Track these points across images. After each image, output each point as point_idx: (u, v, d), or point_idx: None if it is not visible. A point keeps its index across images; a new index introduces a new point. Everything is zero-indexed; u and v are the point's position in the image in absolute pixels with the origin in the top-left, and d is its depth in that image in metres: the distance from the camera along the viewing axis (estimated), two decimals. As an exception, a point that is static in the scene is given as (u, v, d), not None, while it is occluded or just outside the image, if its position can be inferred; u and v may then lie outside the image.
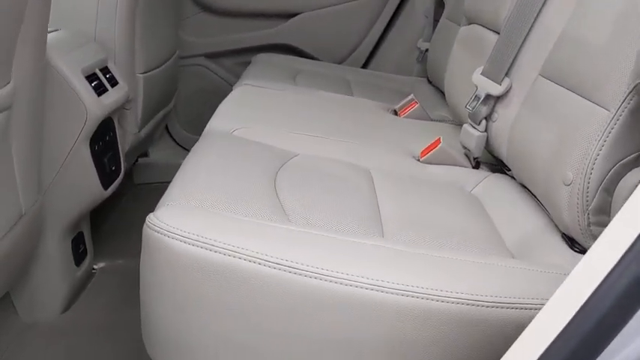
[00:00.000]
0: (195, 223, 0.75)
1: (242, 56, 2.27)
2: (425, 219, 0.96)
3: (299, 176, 1.04)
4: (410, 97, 1.59)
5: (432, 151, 1.22)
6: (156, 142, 2.24)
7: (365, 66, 2.26)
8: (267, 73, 1.85)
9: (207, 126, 1.24)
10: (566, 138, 0.91)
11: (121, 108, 1.53)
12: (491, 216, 1.07)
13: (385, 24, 2.22)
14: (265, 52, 2.21)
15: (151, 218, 0.77)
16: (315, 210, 0.91)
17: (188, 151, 1.17)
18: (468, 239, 0.94)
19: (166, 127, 2.33)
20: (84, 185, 1.36)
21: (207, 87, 2.29)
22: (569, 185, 0.87)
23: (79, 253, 1.52)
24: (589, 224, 0.85)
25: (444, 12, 2.00)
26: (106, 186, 1.42)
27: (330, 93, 1.64)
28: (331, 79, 1.94)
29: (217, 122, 1.25)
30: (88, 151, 1.34)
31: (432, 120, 1.60)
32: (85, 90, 1.29)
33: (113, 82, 1.46)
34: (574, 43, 0.98)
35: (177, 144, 2.36)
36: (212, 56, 2.27)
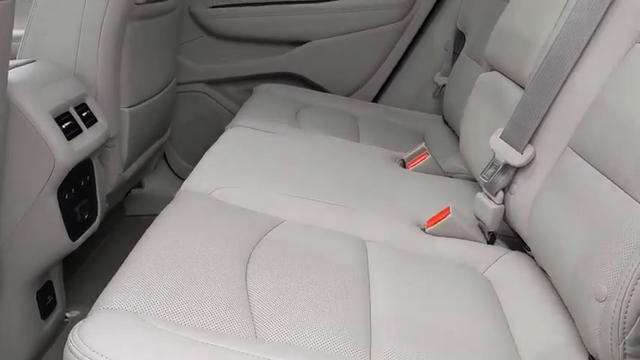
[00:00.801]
0: (123, 346, 0.60)
1: (245, 83, 2.12)
2: (426, 324, 0.80)
3: (278, 256, 0.88)
4: (420, 147, 1.43)
5: (439, 222, 1.05)
6: (150, 172, 2.10)
7: (376, 99, 2.10)
8: (268, 107, 1.70)
9: (184, 184, 1.09)
10: (600, 238, 0.75)
11: (102, 147, 1.39)
12: (507, 311, 0.90)
13: (400, 55, 2.06)
14: (270, 81, 2.07)
15: (74, 337, 0.62)
16: (290, 314, 0.75)
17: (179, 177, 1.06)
18: (476, 351, 0.78)
19: (164, 156, 2.19)
20: (48, 239, 1.22)
21: (208, 115, 2.15)
22: (602, 302, 0.70)
23: (45, 305, 1.37)
24: (625, 356, 0.68)
25: (465, 46, 1.84)
26: (74, 237, 1.28)
27: (332, 138, 1.49)
28: (338, 115, 1.79)
29: (196, 179, 1.10)
30: (55, 201, 1.20)
31: (444, 173, 1.43)
32: (54, 134, 1.15)
33: (91, 121, 1.32)
34: (608, 117, 0.82)
35: (176, 174, 2.22)
36: (213, 83, 2.13)
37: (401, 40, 2.03)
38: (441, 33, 2.05)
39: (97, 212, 1.40)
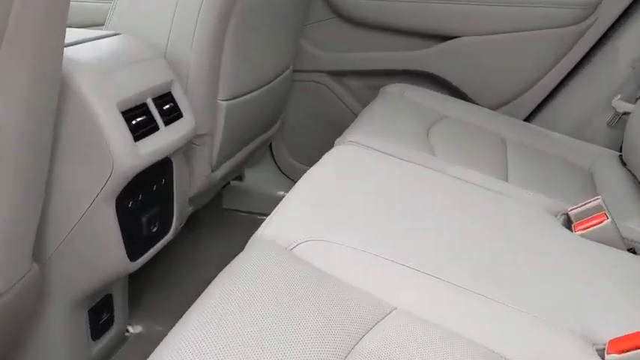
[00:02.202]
0: None
1: (372, 79, 1.80)
2: None
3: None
4: (596, 203, 1.04)
5: (632, 353, 0.69)
6: (253, 164, 1.85)
7: (530, 118, 1.70)
8: (393, 116, 1.37)
9: (263, 226, 0.80)
10: None
11: (186, 146, 1.14)
12: None
13: (571, 67, 1.64)
14: (401, 79, 1.73)
15: None
16: None
17: (291, 180, 0.78)
18: None
19: (270, 148, 1.94)
20: (101, 256, 0.99)
21: (326, 111, 1.86)
22: None
23: (99, 324, 1.16)
24: None
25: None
26: (135, 255, 1.04)
27: (471, 172, 1.13)
28: (481, 136, 1.42)
29: (279, 222, 0.81)
30: (112, 213, 0.96)
31: (623, 243, 1.04)
32: (116, 133, 0.91)
33: (174, 116, 1.07)
34: None
35: (280, 170, 1.96)
36: (337, 74, 1.82)
37: (575, 48, 1.61)
38: (628, 45, 1.60)
39: (170, 223, 1.16)
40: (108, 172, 0.92)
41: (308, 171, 0.98)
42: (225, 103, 1.23)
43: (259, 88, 1.37)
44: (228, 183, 1.91)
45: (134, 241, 1.03)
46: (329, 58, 1.79)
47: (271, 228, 0.78)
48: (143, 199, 1.04)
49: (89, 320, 1.13)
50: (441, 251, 0.82)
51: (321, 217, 0.82)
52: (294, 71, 1.72)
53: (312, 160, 1.32)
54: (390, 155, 1.11)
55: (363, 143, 1.14)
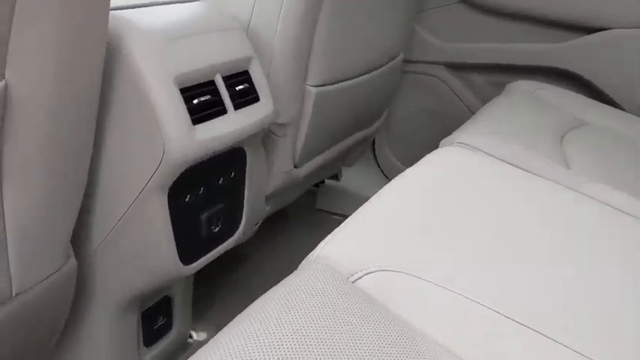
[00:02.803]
0: None
1: (499, 75, 1.55)
2: None
3: None
4: None
5: None
6: (352, 163, 1.67)
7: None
8: (519, 118, 1.13)
9: (322, 245, 0.62)
10: None
11: (261, 135, 0.98)
12: None
13: None
14: (533, 77, 1.47)
15: None
16: None
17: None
18: None
19: (373, 145, 1.74)
20: (149, 257, 0.85)
21: (440, 108, 1.63)
22: None
23: (153, 330, 1.03)
24: None
25: None
26: (190, 258, 0.89)
27: (613, 194, 0.87)
28: (631, 150, 1.14)
29: (343, 243, 0.61)
30: (163, 206, 0.81)
31: None
32: (169, 112, 0.76)
33: (250, 98, 0.91)
34: None
35: (382, 173, 1.76)
36: (457, 67, 1.59)
37: None
38: None
39: (238, 224, 1.00)
40: (158, 159, 0.77)
41: (396, 177, 0.78)
42: (314, 89, 1.06)
43: (358, 76, 1.18)
44: (323, 182, 1.75)
45: (189, 242, 0.89)
46: (448, 49, 1.56)
47: (333, 248, 0.59)
48: (205, 194, 0.89)
49: (142, 325, 1.00)
50: (568, 306, 0.59)
51: (401, 239, 0.62)
52: (405, 61, 1.51)
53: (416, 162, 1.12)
54: (509, 164, 0.88)
55: (474, 146, 0.91)
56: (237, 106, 0.87)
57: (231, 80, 0.88)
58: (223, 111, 0.85)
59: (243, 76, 0.91)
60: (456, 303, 0.55)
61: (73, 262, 0.80)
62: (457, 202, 0.72)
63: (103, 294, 0.90)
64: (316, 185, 1.76)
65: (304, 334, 0.47)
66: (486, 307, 0.55)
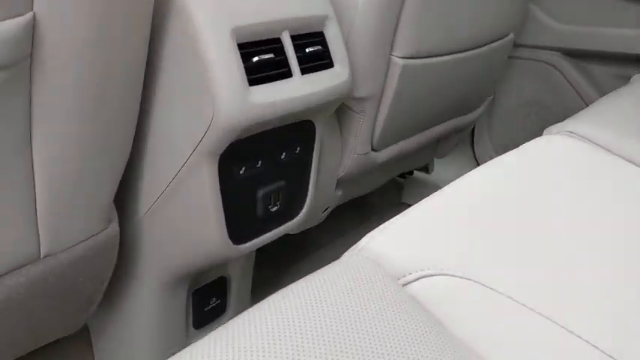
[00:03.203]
0: None
1: (625, 67, 1.35)
2: None
3: None
4: None
5: None
6: (445, 154, 1.52)
7: None
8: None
9: (365, 239, 0.50)
10: None
11: (331, 107, 0.87)
12: None
13: None
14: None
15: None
16: None
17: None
18: None
19: (472, 136, 1.58)
20: (195, 229, 0.77)
21: (552, 100, 1.44)
22: None
23: (204, 311, 0.96)
24: None
25: None
26: (241, 238, 0.80)
27: None
28: None
29: (394, 236, 0.49)
30: (212, 176, 0.73)
31: None
32: (223, 68, 0.66)
33: (323, 63, 0.80)
34: None
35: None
36: (576, 55, 1.40)
37: None
38: None
39: (302, 205, 0.90)
40: (207, 121, 0.68)
41: (483, 164, 0.65)
42: (401, 61, 0.93)
43: (457, 52, 1.04)
44: (411, 173, 1.61)
45: (242, 220, 0.80)
46: (566, 33, 1.37)
47: (381, 242, 0.47)
48: (264, 169, 0.79)
49: (193, 305, 0.93)
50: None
51: (471, 239, 0.49)
52: (515, 45, 1.34)
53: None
54: (624, 159, 0.71)
55: (585, 136, 0.75)
56: (305, 71, 0.76)
57: (301, 41, 0.77)
58: (288, 74, 0.74)
59: (317, 37, 0.80)
60: (535, 323, 0.42)
61: (114, 227, 0.73)
62: (548, 198, 0.57)
63: (148, 267, 0.83)
64: (403, 176, 1.63)
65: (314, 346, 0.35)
66: (577, 335, 0.41)
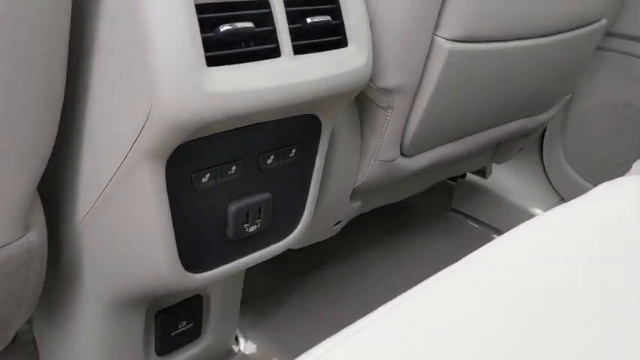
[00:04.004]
0: None
1: None
2: None
3: None
4: None
5: None
6: (507, 158, 1.27)
7: None
8: None
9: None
10: None
11: (346, 100, 0.66)
12: None
13: None
14: None
15: None
16: None
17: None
18: None
19: (541, 142, 1.32)
20: (138, 248, 0.58)
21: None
22: None
23: (169, 337, 0.77)
24: None
25: None
26: (199, 266, 0.61)
27: None
28: None
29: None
30: (158, 183, 0.53)
31: None
32: (168, 42, 0.46)
33: (329, 41, 0.58)
34: None
35: (547, 178, 1.34)
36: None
37: None
38: None
39: (297, 220, 0.69)
40: (145, 112, 0.49)
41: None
42: (449, 44, 0.70)
43: (524, 38, 0.79)
44: (464, 175, 1.37)
45: (204, 243, 0.60)
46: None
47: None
48: (239, 176, 0.59)
49: (156, 328, 0.75)
50: None
51: None
52: (607, 34, 1.07)
53: (599, 176, 0.70)
54: None
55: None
56: (300, 49, 0.55)
57: (301, 7, 0.56)
58: (274, 52, 0.53)
59: (328, 4, 0.58)
60: None
61: (35, 237, 0.55)
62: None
63: (88, 284, 0.65)
64: (454, 179, 1.39)
65: None
66: None
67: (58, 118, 0.51)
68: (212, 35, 0.49)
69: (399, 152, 0.77)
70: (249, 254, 0.65)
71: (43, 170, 0.53)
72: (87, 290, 0.66)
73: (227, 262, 0.63)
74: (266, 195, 0.63)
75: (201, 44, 0.48)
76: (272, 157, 0.62)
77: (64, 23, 0.46)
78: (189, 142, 0.53)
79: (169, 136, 0.49)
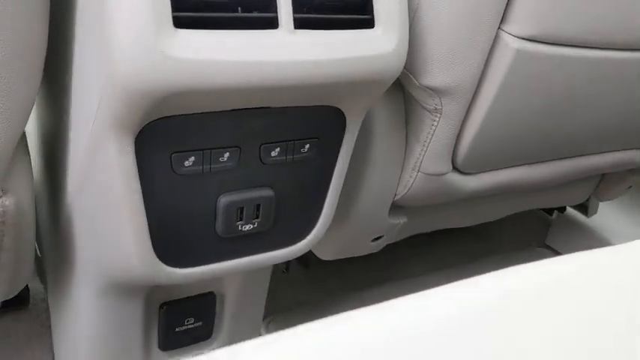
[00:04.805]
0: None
1: None
2: None
3: None
4: None
5: None
6: (614, 195, 1.08)
7: None
8: None
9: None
10: None
11: (376, 92, 0.56)
12: None
13: None
14: None
15: None
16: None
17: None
18: None
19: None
20: (112, 232, 0.52)
21: None
22: None
23: (174, 332, 0.72)
24: None
25: None
26: (179, 260, 0.54)
27: None
28: None
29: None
30: (126, 161, 0.47)
31: None
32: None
33: (345, 19, 0.49)
34: None
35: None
36: None
37: None
38: None
39: (310, 226, 0.61)
40: (104, 77, 0.43)
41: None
42: (517, 42, 0.57)
43: (617, 49, 0.64)
44: (563, 209, 1.19)
45: (186, 235, 0.53)
46: None
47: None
48: (233, 165, 0.52)
49: (159, 321, 0.70)
50: None
51: None
52: None
53: None
54: None
55: None
56: (304, 23, 0.46)
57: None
58: (269, 23, 0.45)
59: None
60: None
61: (7, 202, 0.51)
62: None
63: (80, 262, 0.61)
64: (550, 211, 1.22)
65: None
66: None
67: (38, 77, 0.47)
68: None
69: (450, 166, 0.66)
70: (245, 256, 0.58)
71: (21, 131, 0.49)
72: (78, 268, 0.62)
73: (216, 261, 0.56)
74: (267, 192, 0.55)
75: (168, 2, 0.41)
76: (277, 149, 0.54)
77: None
78: (169, 117, 0.46)
79: (128, 104, 0.43)
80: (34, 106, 0.49)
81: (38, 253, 0.75)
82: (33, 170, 0.54)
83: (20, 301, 0.76)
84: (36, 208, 0.66)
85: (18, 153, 0.51)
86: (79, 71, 0.47)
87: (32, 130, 0.65)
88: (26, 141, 0.54)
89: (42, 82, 0.47)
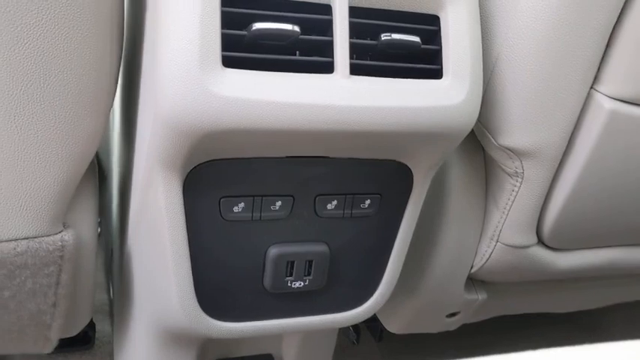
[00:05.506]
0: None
1: None
2: None
3: None
4: None
5: None
6: None
7: None
8: None
9: None
10: None
11: (445, 149, 0.52)
12: None
13: None
14: None
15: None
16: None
17: None
18: None
19: None
20: (158, 279, 0.51)
21: None
22: None
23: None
24: None
25: None
26: (226, 313, 0.51)
27: None
28: None
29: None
30: (174, 198, 0.46)
31: None
32: (177, 31, 0.40)
33: (409, 68, 0.46)
34: None
35: None
36: None
37: None
38: None
39: (371, 290, 0.56)
40: (152, 112, 0.43)
41: None
42: (610, 103, 0.51)
43: None
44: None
45: (233, 287, 0.51)
46: None
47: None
48: (286, 214, 0.49)
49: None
50: None
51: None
52: None
53: None
54: None
55: None
56: (361, 69, 0.44)
57: (379, 21, 0.45)
58: (325, 67, 0.43)
59: (421, 23, 0.46)
60: None
61: (69, 237, 0.52)
62: None
63: (136, 307, 0.60)
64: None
65: None
66: None
67: (105, 113, 0.48)
68: (242, 34, 0.41)
69: (534, 239, 0.59)
70: (295, 316, 0.54)
71: (87, 165, 0.50)
72: (135, 313, 0.61)
73: (263, 318, 0.53)
74: (321, 247, 0.52)
75: (218, 41, 0.40)
76: (335, 202, 0.51)
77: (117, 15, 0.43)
78: (219, 160, 0.45)
79: (173, 141, 0.42)
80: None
81: (111, 295, 0.76)
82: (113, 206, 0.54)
83: (86, 340, 0.77)
84: (112, 250, 0.67)
85: (84, 187, 0.52)
86: (141, 106, 0.48)
87: (115, 163, 0.67)
88: (96, 175, 0.55)
89: (121, 118, 0.48)
